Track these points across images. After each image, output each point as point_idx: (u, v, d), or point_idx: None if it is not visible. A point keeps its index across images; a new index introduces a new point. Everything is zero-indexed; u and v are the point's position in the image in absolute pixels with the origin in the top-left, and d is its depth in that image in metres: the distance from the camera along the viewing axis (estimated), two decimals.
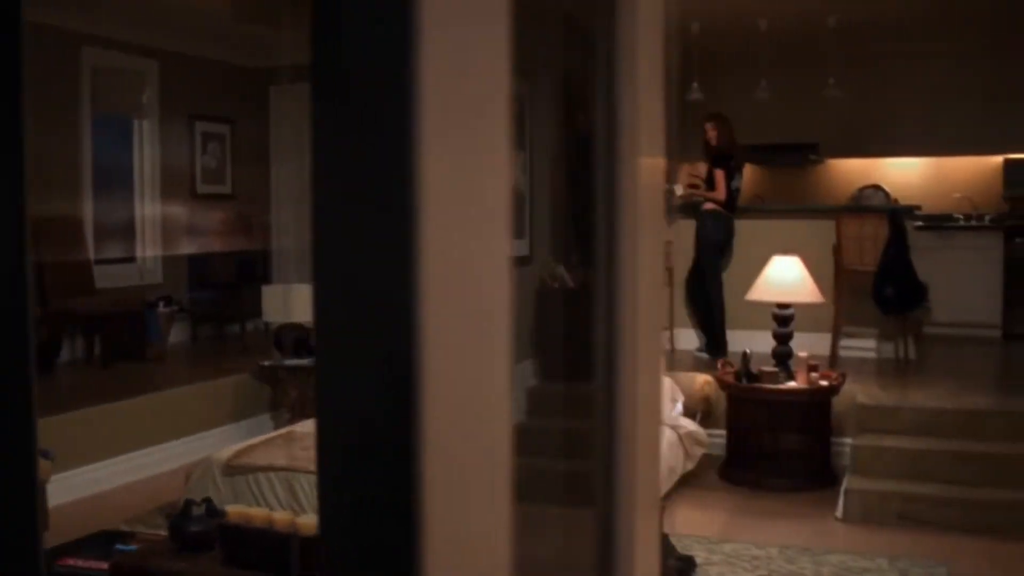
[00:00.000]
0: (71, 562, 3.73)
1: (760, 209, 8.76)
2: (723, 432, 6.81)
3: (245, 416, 7.92)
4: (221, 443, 6.79)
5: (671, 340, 8.92)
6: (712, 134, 8.40)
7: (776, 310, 6.73)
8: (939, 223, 10.31)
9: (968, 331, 9.90)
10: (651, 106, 1.29)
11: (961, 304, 9.96)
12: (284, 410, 7.87)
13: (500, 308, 0.71)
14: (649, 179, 1.27)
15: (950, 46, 10.31)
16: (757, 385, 6.56)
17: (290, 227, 11.04)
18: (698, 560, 5.07)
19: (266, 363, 7.99)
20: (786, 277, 6.69)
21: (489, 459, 0.73)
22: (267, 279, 10.68)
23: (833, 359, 7.99)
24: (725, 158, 8.36)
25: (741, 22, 8.86)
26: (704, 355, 8.43)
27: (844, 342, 8.40)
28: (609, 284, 1.15)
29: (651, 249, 1.31)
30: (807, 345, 8.00)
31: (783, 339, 6.73)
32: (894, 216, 7.70)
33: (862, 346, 8.51)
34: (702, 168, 8.76)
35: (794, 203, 10.42)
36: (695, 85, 9.36)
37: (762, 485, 6.41)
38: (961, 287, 9.94)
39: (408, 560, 0.62)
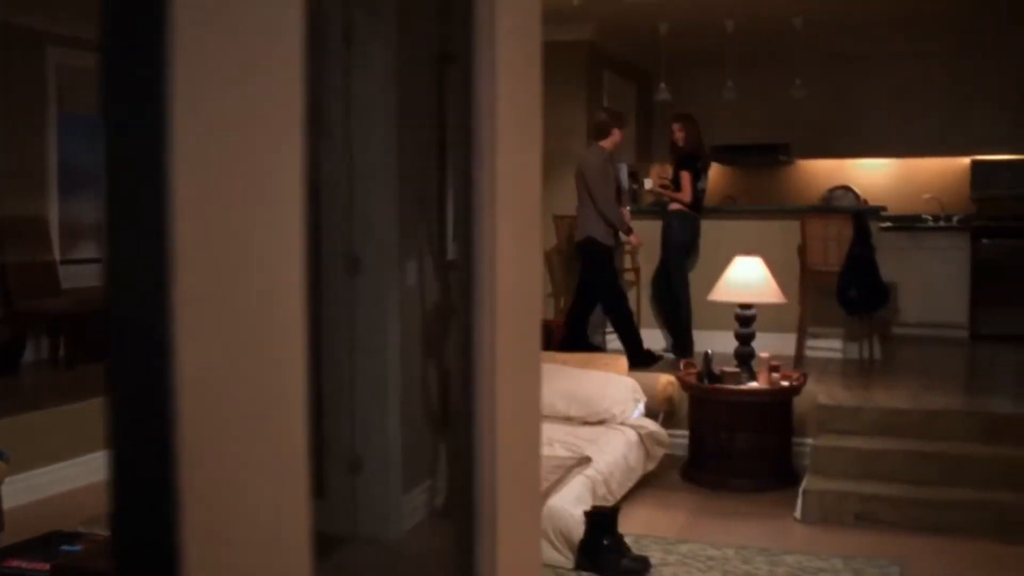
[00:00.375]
0: (15, 563, 3.71)
1: (726, 210, 8.80)
2: (686, 432, 6.83)
3: None
4: None
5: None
6: (679, 135, 8.41)
7: (738, 310, 6.75)
8: (908, 224, 10.37)
9: (936, 331, 9.96)
10: (519, 93, 1.27)
11: (929, 305, 10.02)
12: None
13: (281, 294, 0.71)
14: (517, 174, 1.26)
15: (917, 47, 10.37)
16: (718, 386, 6.57)
17: None
18: (654, 561, 5.08)
19: None
20: (748, 277, 6.70)
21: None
22: None
23: (799, 360, 8.02)
24: (692, 159, 8.38)
25: (708, 23, 8.88)
26: (670, 355, 8.44)
27: (810, 342, 8.44)
28: (467, 293, 1.15)
29: (520, 250, 1.31)
30: (773, 346, 8.03)
31: (745, 339, 6.75)
32: (858, 217, 7.73)
33: (828, 346, 8.55)
34: (670, 170, 8.78)
35: (766, 203, 10.46)
36: (663, 86, 9.38)
37: (723, 485, 6.43)
38: (929, 288, 10.00)
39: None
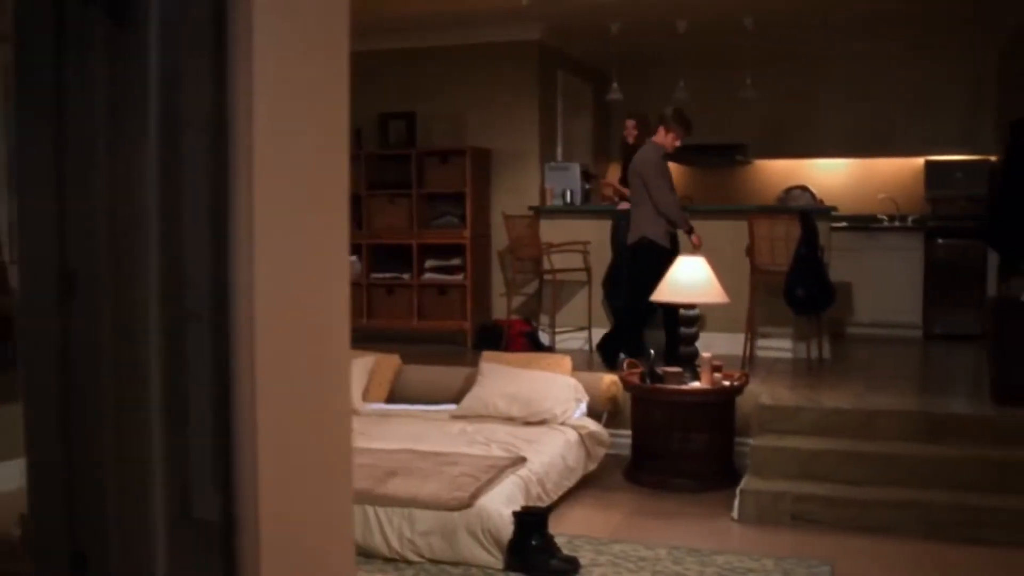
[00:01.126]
0: None
1: None
2: (630, 433, 6.81)
3: None
4: None
5: (588, 340, 8.93)
6: (633, 132, 8.41)
7: (682, 311, 6.74)
8: (863, 224, 10.39)
9: (890, 331, 9.99)
10: (284, 80, 1.22)
11: (883, 304, 10.06)
12: None
13: None
14: (279, 168, 1.22)
15: (871, 48, 10.39)
16: (660, 386, 6.56)
17: None
18: (584, 561, 5.06)
19: None
20: (691, 278, 6.68)
21: None
22: None
23: (747, 359, 8.03)
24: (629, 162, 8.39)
25: (659, 23, 8.87)
26: (621, 355, 8.41)
27: (761, 342, 8.46)
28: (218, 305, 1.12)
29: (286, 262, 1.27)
30: (724, 346, 8.07)
31: (689, 339, 6.74)
32: (804, 216, 7.73)
33: (778, 346, 8.56)
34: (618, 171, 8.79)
35: (724, 203, 10.46)
36: (614, 85, 9.37)
37: (665, 486, 6.41)
38: (883, 288, 10.04)
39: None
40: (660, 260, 7.18)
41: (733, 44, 9.39)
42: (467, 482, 5.19)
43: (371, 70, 9.92)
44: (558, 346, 8.89)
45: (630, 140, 8.44)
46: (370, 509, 5.15)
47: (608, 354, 7.95)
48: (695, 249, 7.58)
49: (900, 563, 5.17)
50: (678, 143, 7.74)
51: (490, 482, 5.24)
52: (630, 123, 8.49)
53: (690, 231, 7.64)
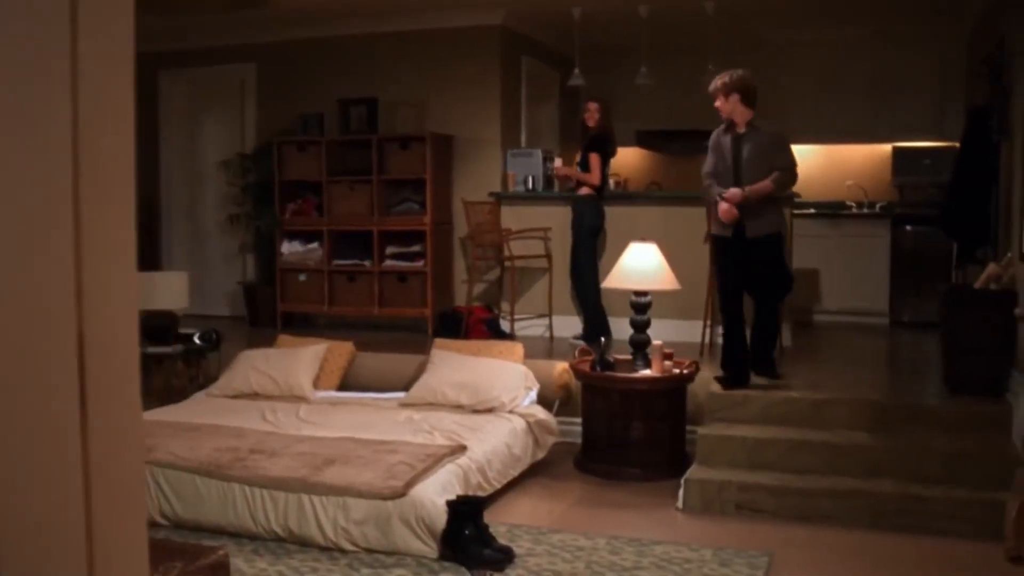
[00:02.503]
0: None
1: (635, 196, 8.72)
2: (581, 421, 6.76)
3: None
4: None
5: (549, 327, 8.87)
6: (595, 116, 8.32)
7: (633, 297, 6.67)
8: (831, 211, 10.34)
9: (857, 319, 9.96)
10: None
11: (850, 292, 10.02)
12: (152, 398, 7.75)
13: None
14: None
15: (837, 34, 10.33)
16: (610, 374, 6.50)
17: (180, 212, 10.89)
18: (521, 551, 5.00)
19: None
20: (643, 264, 6.62)
21: None
22: (156, 265, 10.53)
23: (707, 347, 7.96)
24: (602, 142, 8.32)
25: (622, 9, 8.79)
26: (580, 342, 8.36)
27: (720, 329, 8.37)
28: None
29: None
30: (684, 333, 8.02)
31: (640, 327, 6.67)
32: None
33: None
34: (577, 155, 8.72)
35: (693, 190, 10.38)
36: (576, 71, 9.30)
37: (615, 475, 6.36)
38: (851, 275, 10.00)
39: None
40: (776, 246, 6.47)
41: (696, 30, 9.31)
42: (403, 471, 5.13)
43: (332, 56, 9.85)
44: (519, 333, 8.82)
45: (591, 123, 8.35)
46: (305, 497, 5.10)
47: (764, 363, 6.68)
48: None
49: (840, 553, 5.12)
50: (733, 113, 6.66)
51: (426, 471, 5.18)
52: (592, 106, 8.39)
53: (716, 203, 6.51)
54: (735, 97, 6.53)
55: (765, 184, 6.38)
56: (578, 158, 8.47)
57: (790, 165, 6.52)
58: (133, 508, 1.43)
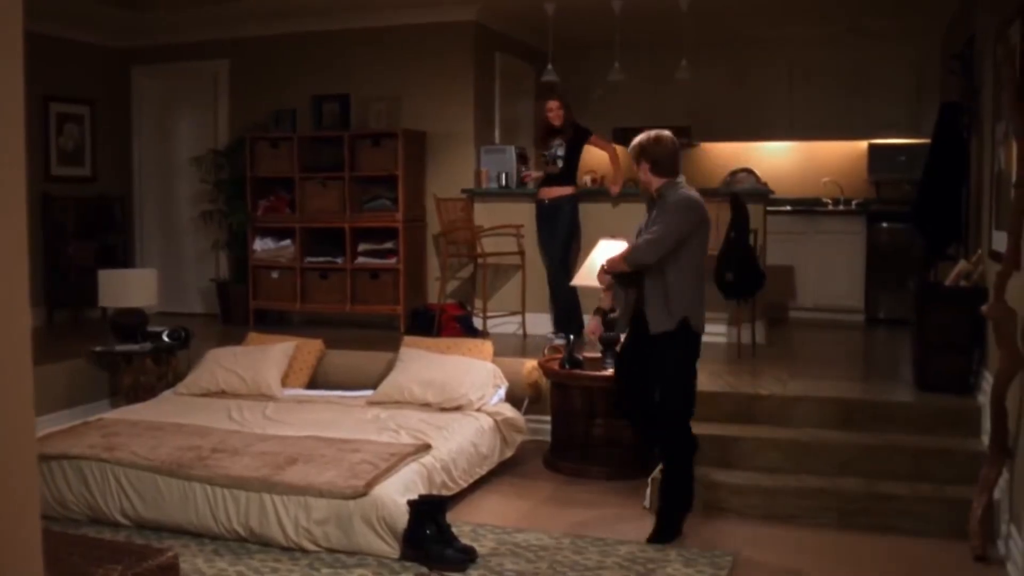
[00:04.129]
0: None
1: (606, 193, 8.65)
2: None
3: (81, 402, 7.69)
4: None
5: (522, 324, 8.82)
6: (560, 114, 8.25)
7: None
8: (807, 207, 10.34)
9: (832, 316, 9.95)
10: None
11: (826, 289, 10.02)
12: (121, 396, 7.68)
13: None
14: None
15: (812, 31, 10.30)
16: (578, 371, 6.46)
17: (154, 208, 10.81)
18: (485, 551, 4.97)
19: (98, 348, 7.80)
20: None
21: None
22: (129, 263, 10.46)
23: None
24: (580, 140, 8.30)
25: (595, 5, 8.73)
26: (558, 339, 8.30)
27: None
28: None
29: None
30: None
31: (608, 325, 6.61)
32: (735, 199, 7.61)
33: (712, 331, 8.38)
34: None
35: None
36: (549, 67, 9.23)
37: (583, 473, 6.33)
38: (827, 272, 9.99)
39: None
40: None
41: (670, 26, 9.27)
42: (365, 470, 5.09)
43: (305, 52, 9.78)
44: (491, 331, 8.77)
45: (557, 123, 8.26)
46: (267, 497, 5.05)
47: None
48: None
49: (805, 552, 5.09)
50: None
51: (389, 470, 5.13)
52: (554, 104, 8.26)
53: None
54: (644, 165, 5.34)
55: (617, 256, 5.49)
56: (560, 153, 8.34)
57: (658, 236, 5.17)
58: (23, 510, 1.39)
